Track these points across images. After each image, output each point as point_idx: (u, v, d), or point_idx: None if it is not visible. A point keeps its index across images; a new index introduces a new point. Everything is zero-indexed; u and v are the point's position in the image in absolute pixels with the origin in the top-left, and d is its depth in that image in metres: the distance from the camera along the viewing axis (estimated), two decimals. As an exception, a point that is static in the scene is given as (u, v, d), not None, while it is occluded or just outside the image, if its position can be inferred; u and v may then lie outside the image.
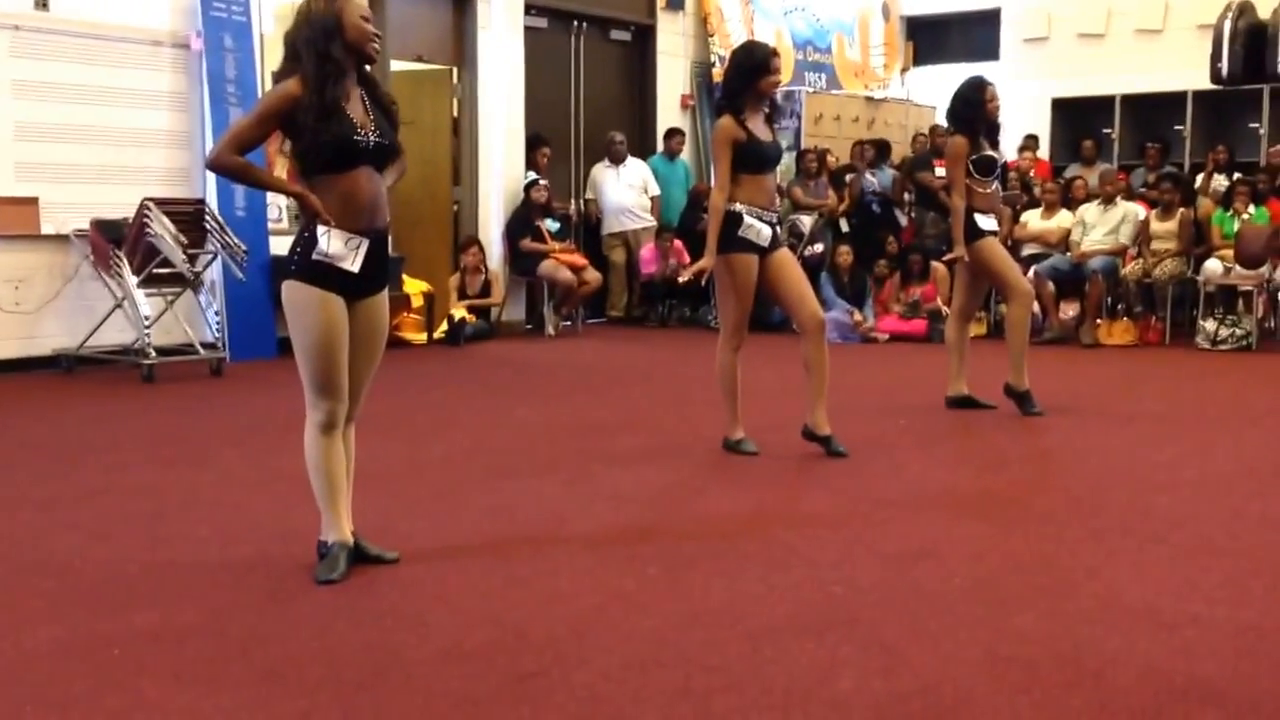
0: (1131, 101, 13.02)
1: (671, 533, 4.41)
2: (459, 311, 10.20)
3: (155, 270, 7.96)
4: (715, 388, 5.82)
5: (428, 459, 5.70)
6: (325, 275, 3.74)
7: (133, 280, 7.91)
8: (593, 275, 11.01)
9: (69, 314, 8.31)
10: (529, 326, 11.21)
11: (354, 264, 3.76)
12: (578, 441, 6.13)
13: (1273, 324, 10.23)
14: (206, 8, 8.83)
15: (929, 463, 5.71)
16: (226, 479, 5.29)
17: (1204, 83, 12.41)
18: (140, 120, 8.70)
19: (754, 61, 5.61)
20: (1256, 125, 12.25)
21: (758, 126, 5.60)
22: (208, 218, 8.20)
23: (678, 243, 11.30)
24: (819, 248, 11.25)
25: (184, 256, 7.88)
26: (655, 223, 11.76)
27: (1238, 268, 10.09)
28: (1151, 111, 12.98)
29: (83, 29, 8.35)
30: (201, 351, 8.25)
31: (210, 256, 8.31)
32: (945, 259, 7.12)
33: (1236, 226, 10.27)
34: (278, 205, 9.26)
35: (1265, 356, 9.50)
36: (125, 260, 7.91)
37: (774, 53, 5.72)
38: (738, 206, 5.53)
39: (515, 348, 10.12)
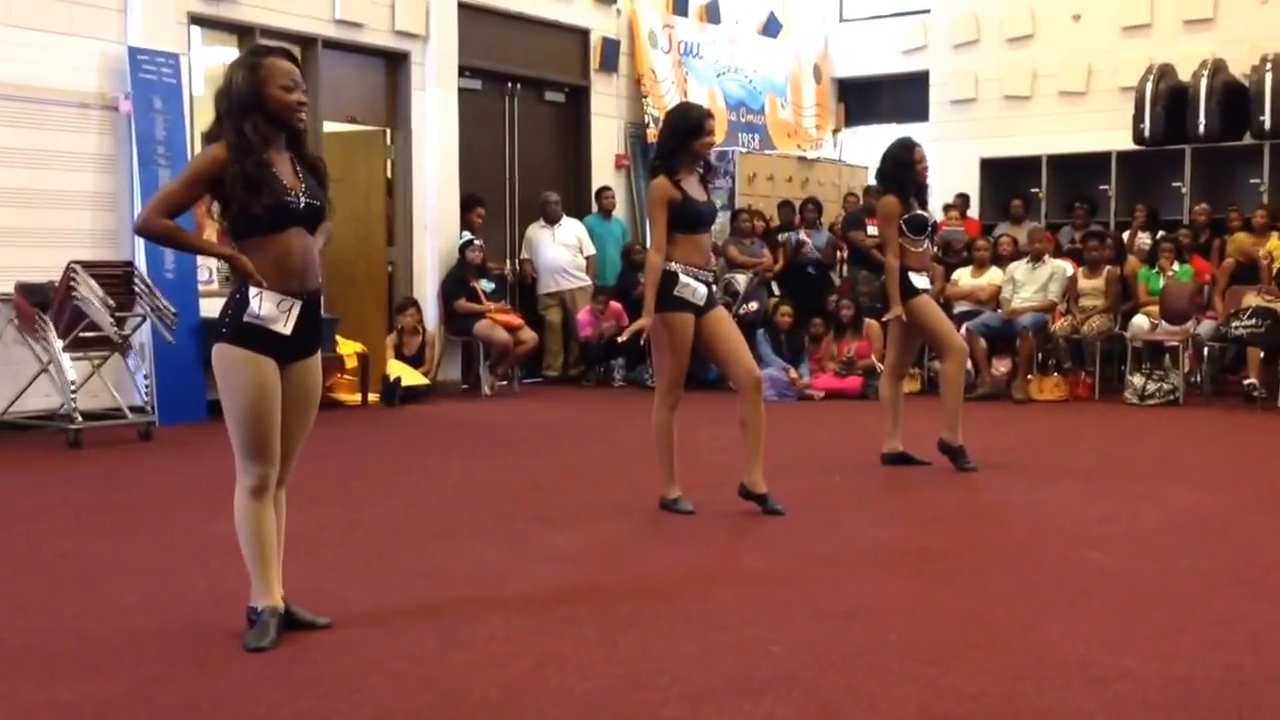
0: (1057, 161, 13.27)
1: (608, 593, 4.38)
2: (394, 371, 10.14)
3: (82, 334, 7.84)
4: (651, 447, 5.81)
5: (362, 521, 5.63)
6: (257, 337, 3.70)
7: (58, 344, 7.78)
8: (529, 335, 11.00)
9: (-8, 379, 8.16)
10: (465, 387, 11.16)
11: (286, 326, 3.72)
12: (514, 502, 6.09)
13: (1199, 379, 10.42)
14: (135, 69, 8.78)
15: (864, 520, 5.73)
16: (154, 545, 5.19)
17: (1127, 143, 12.70)
18: (67, 182, 8.59)
19: (689, 123, 5.66)
20: (1179, 184, 12.53)
21: (692, 187, 5.65)
22: (136, 280, 8.10)
23: (615, 305, 11.33)
24: (754, 306, 11.33)
25: (111, 320, 7.77)
26: (591, 282, 11.79)
27: (1164, 324, 10.28)
28: (1077, 171, 13.23)
29: (8, 90, 8.24)
30: (129, 416, 8.12)
31: (139, 319, 8.20)
32: (884, 319, 7.16)
33: (1162, 283, 10.48)
34: (208, 267, 9.17)
35: (1192, 411, 9.66)
36: (51, 324, 7.79)
37: (708, 114, 5.78)
38: (674, 266, 5.56)
39: (451, 408, 10.06)
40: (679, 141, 5.63)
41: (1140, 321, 10.37)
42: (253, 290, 3.69)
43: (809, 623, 3.99)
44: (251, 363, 3.70)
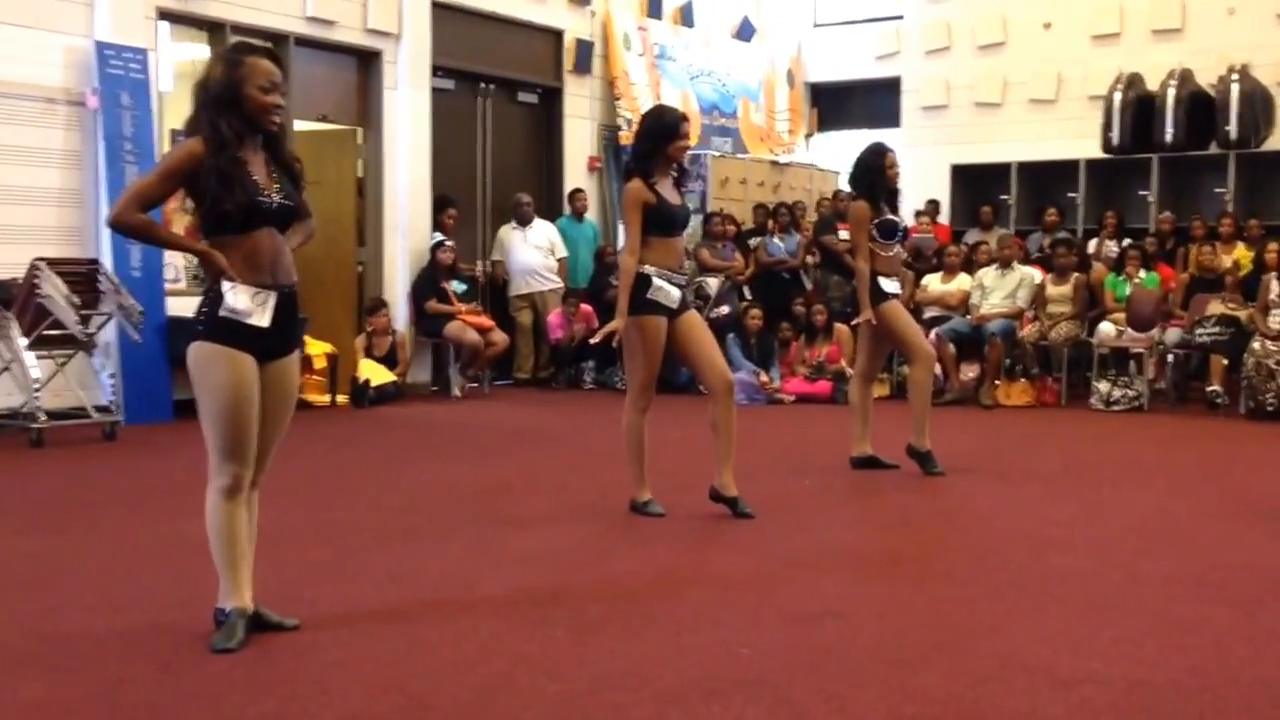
0: (1027, 169, 13.35)
1: (578, 595, 4.38)
2: (364, 372, 10.10)
3: (46, 332, 7.77)
4: (622, 449, 5.81)
5: (331, 523, 5.60)
6: (235, 333, 3.67)
7: (22, 342, 7.70)
8: (499, 337, 10.98)
9: (-45, 377, 8.06)
10: (435, 388, 11.12)
11: (264, 318, 3.69)
12: (484, 504, 6.08)
13: (1163, 385, 10.49)
14: (103, 64, 8.70)
15: (834, 523, 5.75)
16: (118, 545, 5.15)
17: (1095, 151, 12.81)
18: (33, 178, 8.51)
19: (664, 126, 5.66)
20: (1146, 193, 12.63)
21: (667, 190, 5.65)
22: (102, 278, 8.03)
23: (585, 307, 11.32)
24: (725, 309, 11.34)
25: (76, 318, 7.70)
26: (562, 284, 11.77)
27: (1129, 330, 10.35)
28: (1046, 179, 13.31)
29: (-27, 85, 8.19)
30: (94, 415, 8.04)
31: (104, 318, 8.13)
32: (853, 323, 7.18)
33: (1128, 290, 10.56)
34: (174, 265, 9.10)
35: (1156, 417, 9.74)
36: (14, 321, 7.72)
37: (684, 118, 5.80)
38: (647, 269, 5.56)
39: (421, 410, 10.03)
40: (654, 145, 5.63)
41: (1106, 328, 10.45)
42: (226, 285, 3.66)
43: (778, 625, 4.00)
44: (229, 359, 3.66)
